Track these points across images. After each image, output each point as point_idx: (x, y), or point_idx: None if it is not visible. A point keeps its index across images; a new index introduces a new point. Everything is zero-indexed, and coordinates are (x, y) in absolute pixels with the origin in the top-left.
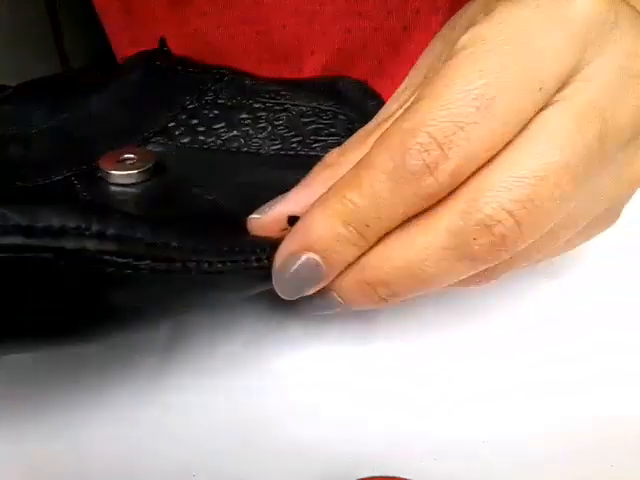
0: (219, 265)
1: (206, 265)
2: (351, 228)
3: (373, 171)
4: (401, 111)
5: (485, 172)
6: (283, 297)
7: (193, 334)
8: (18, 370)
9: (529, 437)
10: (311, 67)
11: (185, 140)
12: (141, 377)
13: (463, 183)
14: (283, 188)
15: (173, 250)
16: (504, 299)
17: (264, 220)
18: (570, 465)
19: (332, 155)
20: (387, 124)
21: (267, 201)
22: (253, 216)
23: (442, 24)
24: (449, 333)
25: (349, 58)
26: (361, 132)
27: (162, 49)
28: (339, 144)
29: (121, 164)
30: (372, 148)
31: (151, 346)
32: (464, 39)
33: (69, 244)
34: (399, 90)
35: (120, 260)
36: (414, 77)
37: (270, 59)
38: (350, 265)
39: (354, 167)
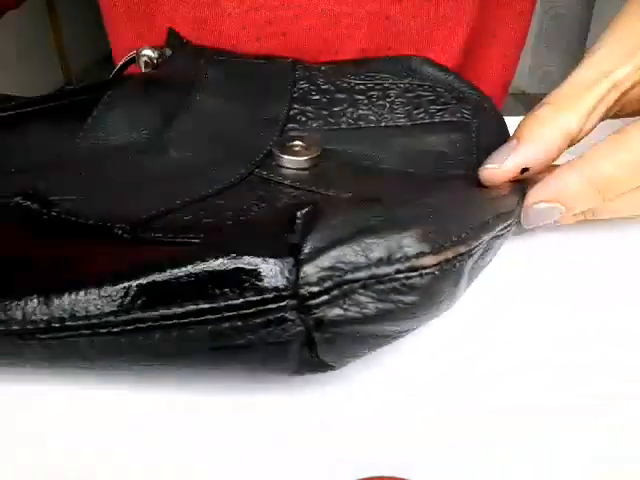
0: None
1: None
2: (599, 192)
3: (629, 152)
4: (609, 81)
5: None
6: (525, 227)
7: None
8: (18, 368)
9: (531, 438)
10: None
11: (316, 124)
12: (142, 376)
13: None
14: (441, 149)
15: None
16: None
17: (502, 170)
18: (571, 466)
19: (544, 110)
20: (596, 90)
21: (430, 164)
22: (489, 166)
23: (470, 28)
24: (444, 334)
25: None
26: (553, 96)
27: (175, 36)
28: (456, 111)
29: (292, 150)
30: (629, 132)
31: None
32: None
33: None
34: (594, 60)
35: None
36: (614, 49)
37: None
38: None
39: (607, 143)
